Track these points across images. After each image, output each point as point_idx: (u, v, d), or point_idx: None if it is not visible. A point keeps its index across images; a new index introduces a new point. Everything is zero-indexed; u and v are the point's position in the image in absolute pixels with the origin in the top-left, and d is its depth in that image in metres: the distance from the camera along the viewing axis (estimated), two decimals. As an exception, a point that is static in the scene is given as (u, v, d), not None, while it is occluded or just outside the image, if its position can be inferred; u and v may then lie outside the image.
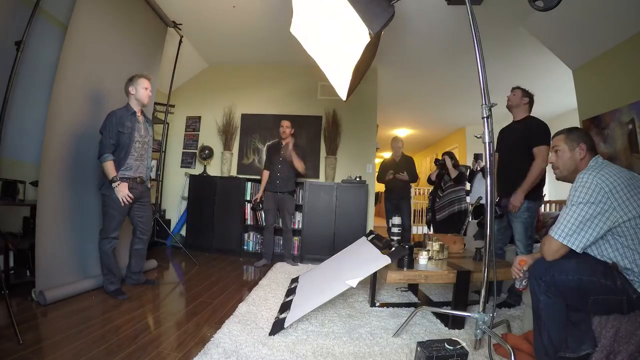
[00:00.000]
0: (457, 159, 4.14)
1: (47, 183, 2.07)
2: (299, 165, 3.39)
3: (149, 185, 2.48)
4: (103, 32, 2.47)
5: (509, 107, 2.43)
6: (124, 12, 2.68)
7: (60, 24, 2.40)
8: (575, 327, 1.28)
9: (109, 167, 2.14)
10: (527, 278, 1.40)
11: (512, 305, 2.24)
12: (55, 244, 2.11)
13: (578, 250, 1.23)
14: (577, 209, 1.24)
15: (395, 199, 4.07)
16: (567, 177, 1.46)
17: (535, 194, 2.27)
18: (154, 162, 3.92)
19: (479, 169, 4.33)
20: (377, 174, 4.30)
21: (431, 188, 4.27)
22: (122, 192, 2.17)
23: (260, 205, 3.59)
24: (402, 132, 7.93)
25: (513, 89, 2.41)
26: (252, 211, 3.94)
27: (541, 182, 2.30)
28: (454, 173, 3.86)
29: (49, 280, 2.00)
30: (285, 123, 3.48)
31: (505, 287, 2.46)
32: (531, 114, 2.39)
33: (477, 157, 4.45)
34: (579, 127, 1.58)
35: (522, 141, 2.26)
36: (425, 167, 10.10)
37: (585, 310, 1.28)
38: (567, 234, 1.24)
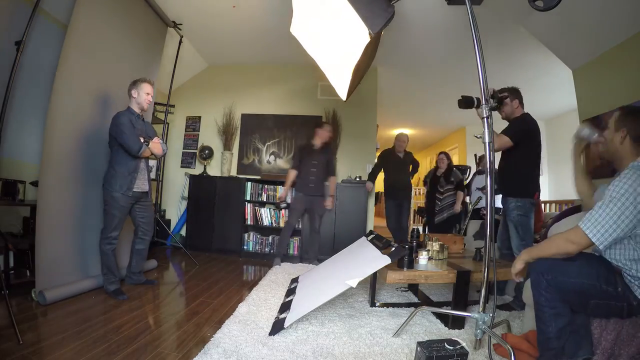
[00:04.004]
0: (452, 160, 4.24)
1: (47, 183, 2.07)
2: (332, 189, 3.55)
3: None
4: (103, 32, 2.47)
5: (506, 119, 2.35)
6: (124, 12, 2.68)
7: (60, 24, 2.40)
8: (574, 331, 1.27)
9: (147, 151, 2.28)
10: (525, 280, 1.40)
11: (515, 309, 2.17)
12: (55, 244, 2.11)
13: (602, 247, 1.18)
14: (612, 205, 1.16)
15: (397, 199, 4.05)
16: (607, 157, 1.40)
17: (523, 190, 2.21)
18: (153, 163, 3.93)
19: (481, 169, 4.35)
20: (375, 164, 4.14)
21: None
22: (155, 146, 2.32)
23: (286, 205, 3.62)
24: (402, 132, 7.92)
25: (500, 97, 2.04)
26: (277, 209, 3.92)
27: (529, 179, 2.24)
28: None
29: (49, 280, 2.00)
30: (328, 128, 3.49)
31: (509, 289, 2.44)
32: (525, 112, 2.32)
33: (483, 157, 4.49)
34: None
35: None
36: (425, 167, 10.10)
37: (585, 313, 1.27)
38: (598, 230, 1.16)
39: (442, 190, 3.99)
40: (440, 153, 4.20)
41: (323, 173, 3.45)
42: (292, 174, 3.46)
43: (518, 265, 1.36)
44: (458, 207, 3.89)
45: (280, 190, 3.96)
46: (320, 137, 3.44)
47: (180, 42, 3.59)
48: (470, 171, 4.76)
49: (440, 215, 3.97)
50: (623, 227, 1.15)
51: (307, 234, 3.65)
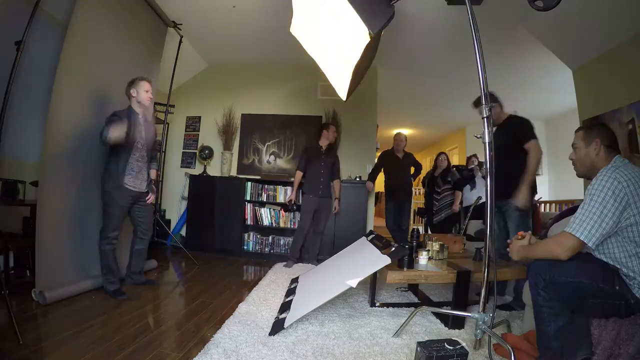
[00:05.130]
0: (451, 161, 4.32)
1: (47, 183, 2.07)
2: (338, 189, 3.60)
3: (153, 187, 2.49)
4: (103, 32, 2.46)
5: (495, 125, 2.39)
6: (124, 12, 2.68)
7: (60, 24, 2.40)
8: (573, 332, 1.27)
9: (114, 127, 2.04)
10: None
11: (515, 309, 2.17)
12: (55, 244, 2.11)
13: (591, 245, 1.20)
14: (592, 202, 1.21)
15: (397, 200, 4.03)
16: (585, 174, 1.45)
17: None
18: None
19: (471, 167, 4.36)
20: (375, 165, 4.10)
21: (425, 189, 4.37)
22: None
23: (295, 207, 3.65)
24: (402, 132, 7.91)
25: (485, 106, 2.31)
26: (286, 212, 3.91)
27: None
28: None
29: (49, 280, 2.00)
30: (332, 128, 3.52)
31: (509, 289, 2.43)
32: (511, 113, 2.39)
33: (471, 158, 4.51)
34: (602, 122, 1.57)
35: (511, 142, 2.24)
36: (425, 167, 10.07)
37: (584, 313, 1.28)
38: (584, 228, 1.20)
39: (439, 191, 4.04)
40: (441, 153, 4.22)
41: (330, 174, 3.51)
42: (299, 176, 3.49)
43: (514, 258, 1.46)
44: (456, 207, 3.91)
45: (281, 191, 3.96)
46: (327, 138, 3.49)
47: (180, 42, 3.58)
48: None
49: (438, 215, 4.02)
50: (607, 220, 1.19)
51: (308, 234, 3.65)
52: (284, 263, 3.40)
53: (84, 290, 2.17)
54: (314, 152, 3.50)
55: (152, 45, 3.13)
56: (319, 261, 3.31)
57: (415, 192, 7.36)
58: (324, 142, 3.51)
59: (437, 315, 2.00)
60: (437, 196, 4.05)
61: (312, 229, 3.53)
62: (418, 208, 5.58)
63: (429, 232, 4.19)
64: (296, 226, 3.80)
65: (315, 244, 3.56)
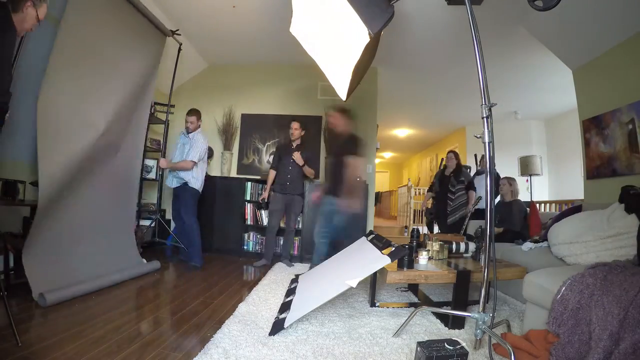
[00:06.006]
0: (460, 160, 4.16)
1: (47, 183, 2.07)
2: (308, 172, 3.47)
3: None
4: (100, 30, 2.45)
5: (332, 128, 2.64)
6: (122, 12, 2.67)
7: (59, 22, 2.40)
8: None
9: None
10: None
11: None
12: (55, 245, 2.11)
13: None
14: None
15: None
16: None
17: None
18: (153, 162, 3.93)
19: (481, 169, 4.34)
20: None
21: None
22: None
23: (266, 205, 3.66)
24: (402, 132, 7.93)
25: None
26: (256, 209, 3.91)
27: None
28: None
29: (48, 281, 1.99)
30: (295, 125, 3.45)
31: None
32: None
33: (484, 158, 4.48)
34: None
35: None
36: (424, 167, 10.09)
37: None
38: None
39: (453, 190, 3.90)
40: (449, 152, 4.13)
41: (299, 172, 3.45)
42: (272, 175, 3.49)
43: None
44: (471, 207, 3.81)
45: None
46: (291, 136, 3.45)
47: (180, 50, 3.59)
48: (470, 171, 4.76)
49: (452, 215, 3.88)
50: None
51: (304, 232, 3.65)
52: (255, 262, 3.45)
53: (84, 292, 2.16)
54: (284, 150, 3.48)
55: (151, 45, 3.12)
56: (292, 259, 3.40)
57: (415, 193, 7.37)
58: (294, 138, 3.45)
59: (437, 315, 2.00)
60: (451, 196, 3.90)
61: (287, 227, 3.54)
62: (426, 209, 4.99)
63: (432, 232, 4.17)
64: (295, 226, 3.81)
65: (287, 243, 3.55)
